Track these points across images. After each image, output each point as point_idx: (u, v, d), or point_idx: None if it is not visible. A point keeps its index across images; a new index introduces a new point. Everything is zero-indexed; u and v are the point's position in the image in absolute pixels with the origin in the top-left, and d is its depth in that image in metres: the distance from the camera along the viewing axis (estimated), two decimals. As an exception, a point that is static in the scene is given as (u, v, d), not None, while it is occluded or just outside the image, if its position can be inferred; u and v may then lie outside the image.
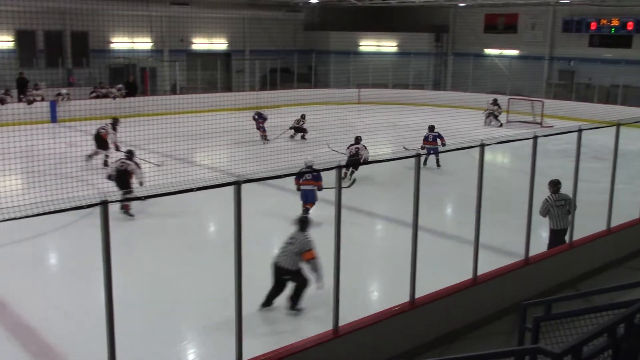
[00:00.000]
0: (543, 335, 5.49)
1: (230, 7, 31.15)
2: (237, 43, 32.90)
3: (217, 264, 8.86)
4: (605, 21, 28.92)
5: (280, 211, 12.76)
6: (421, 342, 7.14)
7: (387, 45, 34.76)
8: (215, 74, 30.33)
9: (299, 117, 21.91)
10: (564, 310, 5.59)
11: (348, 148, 15.62)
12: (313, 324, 6.94)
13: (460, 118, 22.70)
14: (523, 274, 8.40)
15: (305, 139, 21.51)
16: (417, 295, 7.08)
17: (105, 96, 25.99)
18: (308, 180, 11.68)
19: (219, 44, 32.80)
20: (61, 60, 27.69)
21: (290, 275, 8.02)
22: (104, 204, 4.88)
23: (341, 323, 6.37)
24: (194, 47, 31.84)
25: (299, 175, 11.58)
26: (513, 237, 9.32)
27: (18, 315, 8.06)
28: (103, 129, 16.68)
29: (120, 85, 26.85)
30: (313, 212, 11.43)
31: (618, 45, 28.71)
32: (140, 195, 4.71)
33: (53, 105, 24.24)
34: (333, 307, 6.30)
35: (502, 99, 26.75)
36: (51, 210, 4.88)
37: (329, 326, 6.37)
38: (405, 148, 16.15)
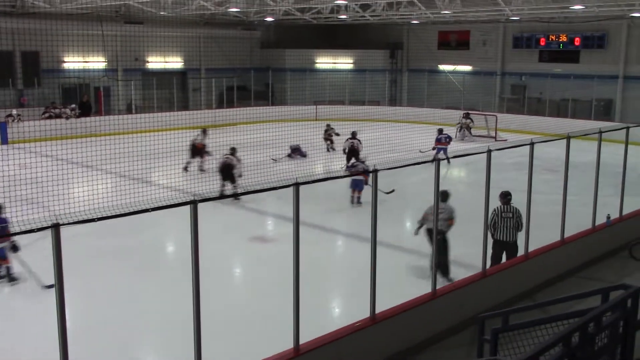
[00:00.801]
0: (501, 347, 5.55)
1: (185, 25, 31.02)
2: (193, 61, 32.73)
3: (175, 283, 8.74)
4: (553, 37, 29.79)
5: (241, 229, 12.71)
6: (383, 357, 7.14)
7: (343, 62, 35.07)
8: (171, 92, 30.07)
9: (326, 128, 22.98)
10: (521, 321, 5.67)
11: (346, 141, 18.86)
12: (273, 342, 6.86)
13: (419, 133, 23.02)
14: (481, 286, 8.50)
15: (334, 149, 22.22)
16: (378, 310, 7.09)
17: (58, 116, 25.47)
18: (360, 172, 13.83)
19: (175, 62, 32.59)
20: (11, 81, 27.06)
21: (440, 235, 8.91)
22: (56, 227, 4.77)
23: (301, 341, 6.33)
24: (149, 65, 31.53)
25: (351, 167, 15.03)
26: (470, 250, 9.42)
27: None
28: (197, 139, 18.38)
29: (73, 105, 26.40)
30: (272, 230, 11.37)
31: (567, 61, 29.57)
32: (93, 217, 4.59)
33: (3, 127, 23.65)
34: (293, 325, 6.25)
35: (457, 114, 27.22)
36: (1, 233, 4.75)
37: (289, 344, 6.33)
38: (421, 152, 18.92)
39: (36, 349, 7.55)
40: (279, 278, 7.72)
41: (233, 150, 15.43)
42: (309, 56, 34.47)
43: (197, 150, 18.31)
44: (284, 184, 6.22)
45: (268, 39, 35.88)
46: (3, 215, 9.79)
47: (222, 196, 12.37)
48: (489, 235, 9.39)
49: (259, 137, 20.74)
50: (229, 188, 14.86)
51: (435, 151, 19.24)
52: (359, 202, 14.51)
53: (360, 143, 18.47)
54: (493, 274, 8.70)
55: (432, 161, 7.96)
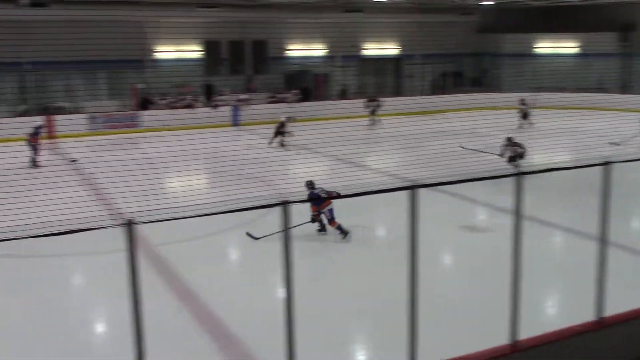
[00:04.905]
0: None
1: (402, 11, 31.22)
2: (408, 47, 32.89)
3: (389, 268, 8.88)
4: None
5: (452, 218, 12.55)
6: (608, 366, 6.60)
7: (566, 46, 32.84)
8: (385, 78, 30.54)
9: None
10: None
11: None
12: (485, 335, 6.66)
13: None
14: None
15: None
16: (605, 314, 6.54)
17: (282, 101, 27.25)
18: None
19: (390, 48, 33.00)
20: (242, 68, 29.43)
21: None
22: (284, 205, 5.04)
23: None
24: (366, 52, 32.32)
25: None
26: None
27: (206, 306, 8.61)
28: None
29: (296, 91, 28.09)
30: (484, 219, 11.02)
31: None
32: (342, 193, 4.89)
33: (235, 110, 25.86)
34: (510, 320, 6.00)
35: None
36: (235, 209, 5.15)
37: (501, 339, 6.09)
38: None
39: (266, 319, 8.12)
40: (492, 269, 7.48)
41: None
42: (528, 40, 32.85)
43: None
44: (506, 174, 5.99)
45: (485, 23, 34.79)
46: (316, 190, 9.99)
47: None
48: None
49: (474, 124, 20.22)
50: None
51: None
52: None
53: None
54: None
55: None
